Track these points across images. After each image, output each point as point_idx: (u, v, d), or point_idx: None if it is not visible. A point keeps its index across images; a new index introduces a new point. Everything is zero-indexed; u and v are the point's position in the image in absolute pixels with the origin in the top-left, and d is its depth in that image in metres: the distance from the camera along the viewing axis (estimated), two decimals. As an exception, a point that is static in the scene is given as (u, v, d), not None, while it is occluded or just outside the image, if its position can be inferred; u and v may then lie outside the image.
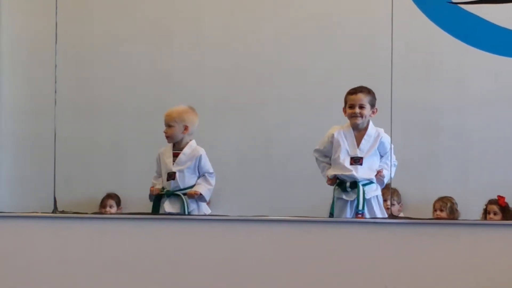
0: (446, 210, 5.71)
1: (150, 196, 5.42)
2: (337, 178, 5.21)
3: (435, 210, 5.73)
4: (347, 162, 5.19)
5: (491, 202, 5.59)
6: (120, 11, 6.25)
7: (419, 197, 5.81)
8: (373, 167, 5.20)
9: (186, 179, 5.38)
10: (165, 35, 6.18)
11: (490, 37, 5.82)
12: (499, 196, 5.56)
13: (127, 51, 6.17)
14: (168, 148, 5.47)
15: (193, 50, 6.14)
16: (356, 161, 5.18)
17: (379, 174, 5.17)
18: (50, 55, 5.72)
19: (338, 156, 5.20)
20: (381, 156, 5.23)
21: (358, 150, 5.21)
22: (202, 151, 5.41)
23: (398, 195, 5.72)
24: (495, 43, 5.81)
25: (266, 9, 6.12)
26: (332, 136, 5.27)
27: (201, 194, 5.34)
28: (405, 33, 5.67)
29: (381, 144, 5.22)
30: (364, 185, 5.14)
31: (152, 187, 5.44)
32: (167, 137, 5.43)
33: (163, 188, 5.41)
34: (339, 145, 5.22)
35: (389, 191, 5.35)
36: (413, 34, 5.87)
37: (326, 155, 5.29)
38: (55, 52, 5.70)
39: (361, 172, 5.17)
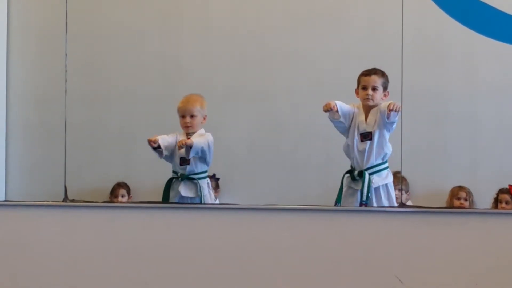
0: (469, 200, 5.69)
1: (155, 149, 5.32)
2: (350, 165, 5.22)
3: (458, 199, 5.69)
4: (357, 138, 5.17)
5: (502, 191, 5.56)
6: (130, -1, 6.27)
7: (428, 186, 5.81)
8: (383, 143, 5.17)
9: (200, 163, 5.37)
10: (174, 23, 6.17)
11: (499, 25, 5.81)
12: (510, 185, 5.55)
13: (136, 39, 6.17)
14: (180, 135, 5.45)
15: (203, 37, 6.13)
16: (366, 136, 5.17)
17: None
18: (60, 43, 5.73)
19: (351, 133, 5.18)
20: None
21: (366, 124, 5.19)
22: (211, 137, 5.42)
23: (406, 183, 5.71)
24: (504, 31, 5.80)
25: (276, -4, 6.13)
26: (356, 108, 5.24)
27: (191, 145, 5.23)
28: (415, 20, 5.66)
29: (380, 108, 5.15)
30: (372, 173, 5.14)
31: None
32: (188, 127, 5.39)
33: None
34: (352, 121, 5.20)
35: (398, 180, 5.34)
36: (422, 22, 5.86)
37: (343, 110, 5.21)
38: (65, 40, 5.71)
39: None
